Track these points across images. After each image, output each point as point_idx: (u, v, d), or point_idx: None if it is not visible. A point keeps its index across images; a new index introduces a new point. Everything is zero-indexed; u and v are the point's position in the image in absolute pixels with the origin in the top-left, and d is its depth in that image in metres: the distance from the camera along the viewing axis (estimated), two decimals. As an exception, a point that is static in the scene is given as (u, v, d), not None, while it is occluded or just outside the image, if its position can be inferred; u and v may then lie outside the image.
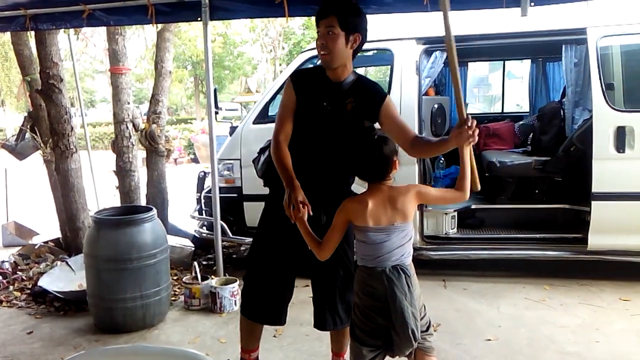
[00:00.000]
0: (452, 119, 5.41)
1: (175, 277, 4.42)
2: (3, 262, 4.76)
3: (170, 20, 4.55)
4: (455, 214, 4.53)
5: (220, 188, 4.27)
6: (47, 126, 4.99)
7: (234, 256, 5.28)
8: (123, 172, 5.03)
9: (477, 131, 2.00)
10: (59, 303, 3.94)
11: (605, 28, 4.02)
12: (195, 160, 15.58)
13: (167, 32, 5.15)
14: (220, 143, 4.67)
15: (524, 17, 3.10)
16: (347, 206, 2.07)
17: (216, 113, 4.40)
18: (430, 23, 4.30)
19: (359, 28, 2.34)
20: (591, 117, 4.06)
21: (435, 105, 5.00)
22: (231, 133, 4.72)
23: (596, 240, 4.03)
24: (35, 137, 5.29)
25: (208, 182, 4.78)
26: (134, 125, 5.03)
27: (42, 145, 5.26)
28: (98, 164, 6.29)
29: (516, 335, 3.33)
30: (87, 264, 3.59)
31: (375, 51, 4.77)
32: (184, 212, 5.48)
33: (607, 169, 3.95)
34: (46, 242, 5.26)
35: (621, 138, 3.89)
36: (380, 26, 4.02)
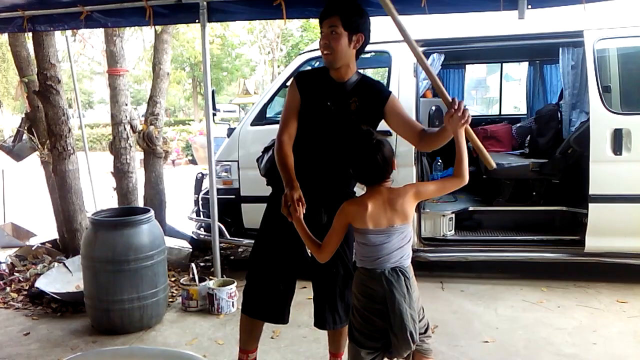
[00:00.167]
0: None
1: (172, 279, 4.42)
2: (0, 263, 4.75)
3: (168, 22, 4.55)
4: (453, 216, 4.53)
5: (218, 189, 4.27)
6: (44, 127, 4.98)
7: (232, 258, 5.28)
8: (121, 173, 5.02)
9: (467, 111, 2.00)
10: (56, 304, 3.93)
11: (602, 31, 4.04)
12: (193, 161, 15.59)
13: (165, 34, 5.16)
14: (218, 145, 4.67)
15: (522, 20, 3.10)
16: (347, 209, 2.07)
17: (214, 114, 4.40)
18: (427, 25, 4.32)
19: (362, 28, 2.35)
20: (588, 119, 4.08)
21: (433, 107, 5.01)
22: (229, 135, 4.72)
23: (593, 242, 4.04)
24: (33, 138, 5.29)
25: (206, 184, 4.78)
26: (131, 126, 5.02)
27: (39, 146, 5.25)
28: (96, 166, 6.28)
29: (513, 337, 3.34)
30: (84, 265, 3.59)
31: (373, 53, 4.77)
32: (181, 214, 5.47)
33: (604, 172, 3.96)
34: (43, 244, 5.25)
35: (618, 140, 3.90)
36: (377, 28, 4.03)
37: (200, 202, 4.84)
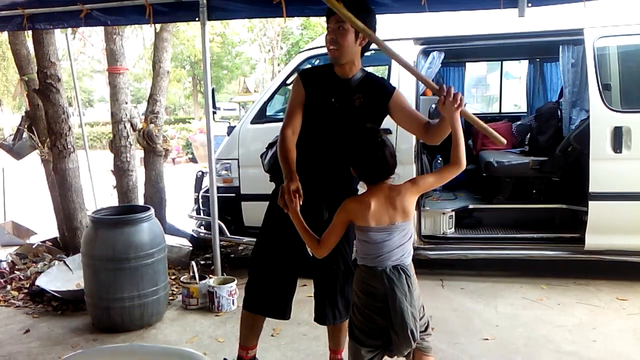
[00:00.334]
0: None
1: (173, 277, 4.42)
2: (0, 261, 4.75)
3: (168, 20, 4.55)
4: (453, 213, 4.54)
5: (218, 188, 4.27)
6: (44, 126, 4.98)
7: (232, 256, 5.28)
8: (121, 171, 5.03)
9: (458, 94, 2.01)
10: (56, 302, 3.94)
11: (602, 29, 4.03)
12: (193, 159, 15.59)
13: (165, 32, 5.15)
14: (218, 143, 4.67)
15: (522, 18, 3.10)
16: (349, 206, 2.06)
17: (214, 113, 4.40)
18: (427, 23, 4.32)
19: (368, 26, 2.35)
20: (588, 117, 4.08)
21: (433, 106, 5.01)
22: (229, 133, 4.72)
23: (593, 240, 4.04)
24: (33, 136, 5.29)
25: (206, 182, 4.78)
26: (131, 124, 5.03)
27: (39, 144, 5.25)
28: (96, 164, 6.29)
29: (513, 334, 3.34)
30: (84, 263, 3.59)
31: (373, 51, 4.77)
32: (181, 212, 5.48)
33: (604, 169, 3.96)
34: (44, 242, 5.25)
35: (618, 138, 3.90)
36: (377, 26, 4.02)
37: (201, 200, 4.84)
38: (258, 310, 2.62)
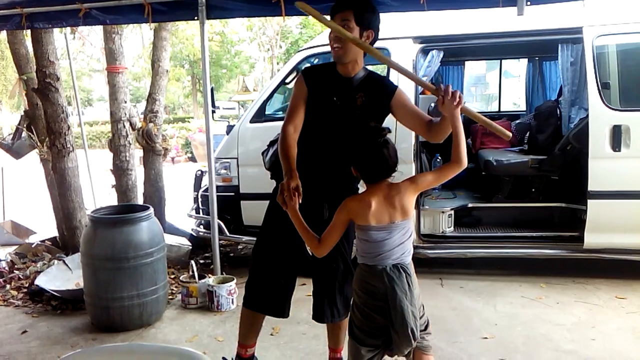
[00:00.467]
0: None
1: (172, 276, 4.42)
2: (0, 261, 4.75)
3: (167, 19, 4.55)
4: (452, 212, 4.54)
5: (217, 187, 4.27)
6: (43, 125, 4.97)
7: (231, 255, 5.29)
8: (120, 171, 5.02)
9: (457, 92, 2.00)
10: (55, 302, 3.94)
11: (601, 27, 4.03)
12: (192, 159, 15.58)
13: (164, 31, 5.15)
14: (217, 142, 4.67)
15: (521, 16, 3.10)
16: (349, 205, 2.06)
17: (213, 112, 4.40)
18: (426, 22, 4.32)
19: (372, 25, 2.36)
20: (587, 116, 4.08)
21: (432, 104, 5.00)
22: (228, 132, 4.72)
23: (592, 238, 4.04)
24: (32, 136, 5.29)
25: (205, 181, 4.78)
26: (131, 124, 5.02)
27: (38, 144, 5.25)
28: (95, 163, 6.28)
29: (512, 333, 3.35)
30: (84, 262, 3.59)
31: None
32: (181, 211, 5.48)
33: (603, 168, 3.96)
34: (43, 241, 5.25)
35: (617, 137, 3.91)
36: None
37: (200, 200, 4.84)
38: (257, 308, 2.62)
